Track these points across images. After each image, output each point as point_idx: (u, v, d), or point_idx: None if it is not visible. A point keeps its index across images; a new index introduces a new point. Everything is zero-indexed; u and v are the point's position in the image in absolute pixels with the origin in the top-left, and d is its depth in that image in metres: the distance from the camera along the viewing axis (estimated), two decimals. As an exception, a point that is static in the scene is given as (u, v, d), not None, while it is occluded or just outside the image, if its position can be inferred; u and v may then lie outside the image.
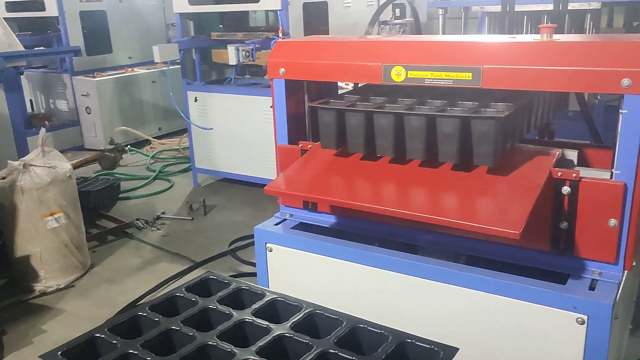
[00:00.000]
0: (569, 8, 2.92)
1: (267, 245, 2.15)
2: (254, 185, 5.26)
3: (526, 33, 3.16)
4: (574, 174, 1.66)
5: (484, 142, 1.64)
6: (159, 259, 4.11)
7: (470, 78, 1.75)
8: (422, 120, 1.71)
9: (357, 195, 1.79)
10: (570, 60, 1.62)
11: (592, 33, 3.11)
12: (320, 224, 2.18)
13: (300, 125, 2.23)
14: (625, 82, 1.54)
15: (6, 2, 7.15)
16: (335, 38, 2.23)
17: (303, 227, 2.21)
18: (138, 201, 5.37)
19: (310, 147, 2.10)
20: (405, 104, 1.85)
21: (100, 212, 4.85)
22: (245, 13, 5.83)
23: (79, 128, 7.03)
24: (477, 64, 1.73)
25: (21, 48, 4.70)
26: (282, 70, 2.10)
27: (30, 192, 3.48)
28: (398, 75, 1.87)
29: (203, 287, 1.53)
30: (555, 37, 1.75)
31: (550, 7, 2.96)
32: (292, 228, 2.18)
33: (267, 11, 5.80)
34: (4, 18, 7.26)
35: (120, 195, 5.37)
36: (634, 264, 1.70)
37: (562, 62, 1.63)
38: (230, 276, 1.76)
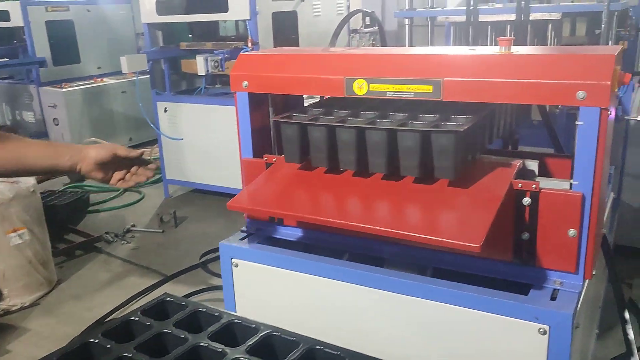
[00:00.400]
0: (530, 19, 2.98)
1: (233, 260, 2.13)
2: (226, 196, 5.20)
3: (490, 43, 3.20)
4: (533, 185, 1.68)
5: (444, 155, 1.64)
6: (129, 273, 4.04)
7: (431, 91, 1.76)
8: (383, 134, 1.71)
9: (320, 209, 1.78)
10: (526, 73, 1.64)
11: (554, 42, 3.16)
12: (287, 238, 2.16)
13: (266, 137, 2.22)
14: (580, 94, 1.56)
15: (-30, 13, 7.00)
16: (299, 50, 2.23)
17: (270, 241, 2.19)
18: (108, 214, 5.29)
19: (275, 161, 2.09)
20: (368, 117, 1.85)
21: (68, 226, 4.76)
22: (215, 23, 5.80)
23: (46, 140, 6.89)
24: (437, 77, 1.74)
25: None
26: (245, 83, 2.09)
27: (-8, 208, 3.40)
28: (360, 88, 1.86)
29: (160, 310, 1.50)
30: (514, 49, 1.77)
31: (513, 17, 3.01)
32: (258, 242, 2.16)
33: (237, 21, 5.79)
34: (-33, 28, 7.14)
35: (90, 209, 5.28)
36: (594, 272, 1.73)
37: (519, 75, 1.64)
38: (199, 290, 1.73)
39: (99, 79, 7.17)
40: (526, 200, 1.70)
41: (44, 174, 1.66)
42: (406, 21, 3.37)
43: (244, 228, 2.25)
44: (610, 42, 2.96)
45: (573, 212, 1.64)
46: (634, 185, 3.81)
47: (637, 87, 4.48)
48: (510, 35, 3.15)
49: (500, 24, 3.17)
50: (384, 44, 2.53)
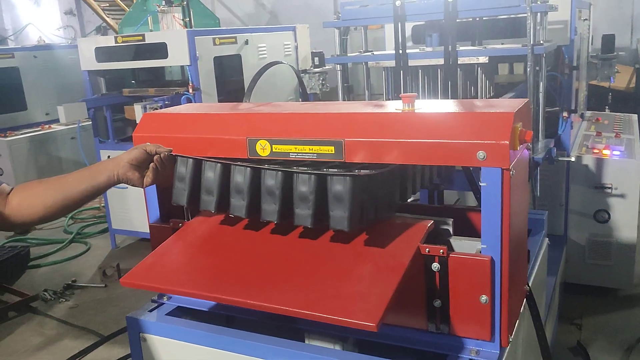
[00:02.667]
0: (460, 62, 2.94)
1: (141, 334, 1.97)
2: (173, 245, 5.03)
3: (423, 87, 3.16)
4: (441, 250, 1.58)
5: (339, 202, 1.53)
6: (63, 336, 3.82)
7: (333, 152, 1.67)
8: (278, 176, 1.61)
9: (214, 285, 1.64)
10: (426, 132, 1.56)
11: (485, 85, 3.14)
12: (199, 308, 2.02)
13: (176, 200, 2.09)
14: (480, 154, 1.48)
15: None
16: (205, 109, 2.13)
17: (182, 311, 2.05)
18: (49, 269, 5.06)
19: (181, 225, 1.96)
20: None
21: (3, 285, 4.51)
22: (161, 67, 5.71)
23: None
24: (339, 137, 1.66)
25: None
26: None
27: None
28: (263, 149, 1.77)
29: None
30: (417, 105, 1.70)
31: (442, 61, 2.97)
32: (168, 314, 2.01)
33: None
34: None
35: (30, 263, 5.04)
36: (511, 339, 1.63)
37: (418, 135, 1.56)
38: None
39: (47, 126, 6.97)
40: (435, 266, 1.60)
41: (88, 198, 1.73)
42: (338, 67, 3.32)
43: (154, 297, 2.10)
44: (541, 83, 2.94)
45: (483, 278, 1.55)
46: (579, 222, 3.77)
47: (580, 122, 4.50)
48: (442, 79, 3.10)
49: (432, 68, 3.13)
50: (304, 98, 2.45)
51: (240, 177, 1.69)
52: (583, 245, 3.79)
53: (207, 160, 1.74)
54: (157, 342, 1.95)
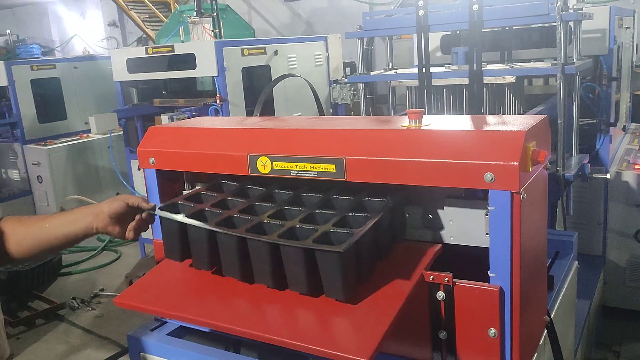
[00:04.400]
0: (485, 82, 2.79)
1: (141, 354, 1.93)
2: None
3: (448, 107, 3.02)
4: (446, 278, 1.47)
5: (330, 276, 1.41)
6: (86, 345, 3.84)
7: (335, 170, 1.58)
8: (265, 246, 1.48)
9: (210, 311, 1.57)
10: (432, 151, 1.46)
11: (514, 103, 2.98)
12: (202, 329, 1.96)
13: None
14: (488, 176, 1.37)
15: (-43, 74, 7.06)
16: (210, 123, 2.07)
17: (185, 331, 1.99)
18: (80, 276, 5.13)
19: (183, 244, 1.90)
20: (264, 211, 1.65)
21: (34, 292, 4.59)
22: (192, 78, 5.74)
23: (31, 197, 6.82)
24: (340, 155, 1.57)
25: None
26: (152, 160, 1.93)
27: None
28: (264, 166, 1.69)
29: None
30: (425, 121, 1.59)
31: (467, 80, 2.83)
32: (170, 333, 1.96)
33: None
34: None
35: (62, 271, 5.12)
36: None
37: (423, 154, 1.46)
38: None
39: (85, 135, 7.12)
40: (440, 295, 1.49)
41: (65, 246, 1.66)
42: (361, 85, 3.23)
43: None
44: (576, 100, 2.77)
45: (491, 309, 1.43)
46: (619, 242, 3.54)
47: (622, 135, 4.26)
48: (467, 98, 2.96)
49: (457, 88, 3.00)
50: (320, 112, 2.38)
51: (226, 245, 1.55)
52: (623, 267, 3.56)
53: (191, 225, 1.60)
54: (157, 363, 1.90)
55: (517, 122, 1.51)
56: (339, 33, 6.16)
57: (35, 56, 8.61)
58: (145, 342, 1.92)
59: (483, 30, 2.72)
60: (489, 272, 1.44)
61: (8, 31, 9.17)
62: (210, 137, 1.86)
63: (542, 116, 1.58)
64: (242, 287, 1.61)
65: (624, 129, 4.27)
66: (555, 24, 2.60)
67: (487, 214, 1.47)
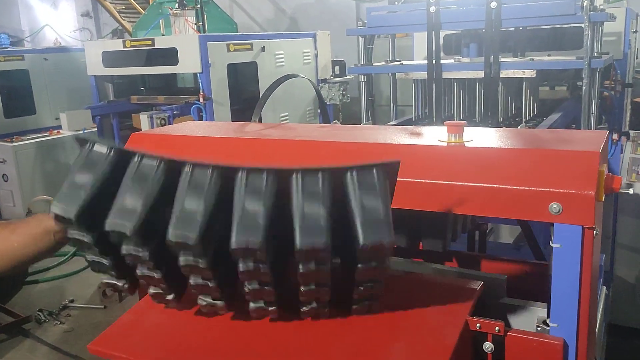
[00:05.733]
0: (502, 76, 2.57)
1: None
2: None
3: (457, 102, 2.79)
4: (497, 328, 1.22)
5: None
6: (54, 365, 3.51)
7: (359, 192, 1.31)
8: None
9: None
10: (481, 174, 1.20)
11: (530, 102, 2.76)
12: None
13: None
14: (554, 207, 1.12)
15: None
16: (205, 130, 1.78)
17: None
18: (48, 285, 4.76)
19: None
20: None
21: (-4, 303, 4.23)
22: (172, 74, 5.41)
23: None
24: (366, 175, 1.30)
25: None
26: (134, 171, 1.64)
27: None
28: (270, 184, 1.41)
29: None
30: (466, 136, 1.34)
31: (481, 74, 2.61)
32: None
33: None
34: None
35: (28, 279, 4.75)
36: None
37: (471, 177, 1.20)
38: None
39: (56, 131, 6.70)
40: (487, 347, 1.24)
41: (37, 259, 1.47)
42: (362, 77, 2.97)
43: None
44: (593, 102, 2.56)
45: (551, 366, 1.19)
46: (629, 258, 3.36)
47: (627, 143, 4.08)
48: (480, 94, 2.74)
49: (468, 82, 2.77)
50: (325, 118, 2.11)
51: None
52: (632, 284, 3.38)
53: None
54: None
55: (581, 139, 1.27)
56: (324, 30, 5.90)
57: (3, 46, 8.13)
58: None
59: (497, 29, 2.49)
60: (548, 320, 1.20)
61: (-27, 19, 8.66)
62: (205, 147, 1.58)
63: (605, 132, 1.34)
64: (243, 329, 1.34)
65: (627, 135, 4.10)
66: (579, 24, 2.39)
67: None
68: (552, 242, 1.16)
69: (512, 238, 3.31)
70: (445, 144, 1.31)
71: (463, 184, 1.21)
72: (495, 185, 1.18)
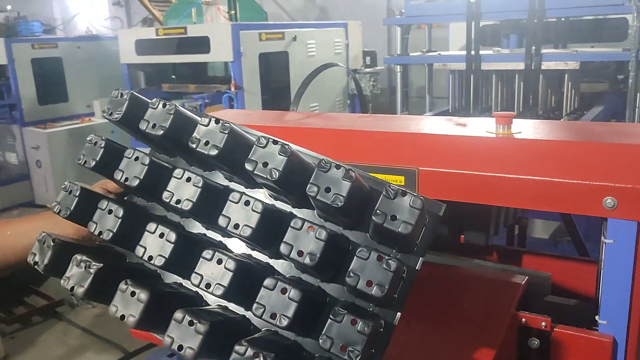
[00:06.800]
0: (543, 68, 2.52)
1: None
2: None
3: (496, 94, 2.75)
4: (543, 323, 1.19)
5: None
6: (86, 348, 3.57)
7: (403, 184, 1.30)
8: None
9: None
10: (532, 167, 1.17)
11: (571, 94, 2.70)
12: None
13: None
14: (609, 202, 1.09)
15: (-46, 50, 6.74)
16: (244, 118, 1.78)
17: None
18: (80, 269, 4.84)
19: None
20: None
21: (30, 286, 4.31)
22: (203, 63, 5.43)
23: (29, 183, 6.53)
24: (411, 165, 1.28)
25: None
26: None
27: None
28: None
29: None
30: (515, 127, 1.31)
31: (522, 66, 2.56)
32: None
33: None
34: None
35: (61, 263, 4.83)
36: None
37: (520, 170, 1.18)
38: None
39: (87, 119, 6.81)
40: (533, 342, 1.22)
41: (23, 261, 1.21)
42: (398, 68, 2.94)
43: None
44: (638, 95, 2.49)
45: (600, 364, 1.16)
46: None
47: None
48: (519, 86, 2.69)
49: (508, 73, 2.72)
50: (363, 108, 2.09)
51: None
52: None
53: None
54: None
55: (637, 133, 1.23)
56: (353, 20, 5.85)
57: (37, 34, 8.27)
58: (163, 370, 1.65)
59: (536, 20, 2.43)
60: (597, 318, 1.17)
61: (9, 7, 8.80)
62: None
63: (662, 125, 1.30)
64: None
65: None
66: (623, 15, 2.32)
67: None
68: (604, 238, 1.13)
69: (545, 233, 3.26)
70: (494, 135, 1.28)
71: (513, 176, 1.18)
72: (546, 179, 1.15)
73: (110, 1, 10.77)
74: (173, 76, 5.27)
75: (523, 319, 1.21)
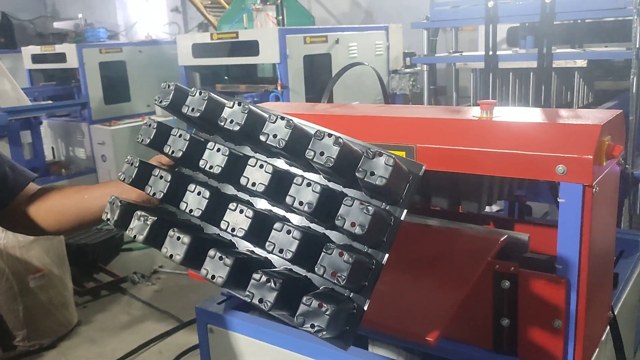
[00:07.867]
0: (555, 66, 2.77)
1: (208, 326, 2.03)
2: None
3: (514, 91, 3.01)
4: (512, 267, 1.49)
5: None
6: (147, 318, 4.03)
7: (405, 157, 1.62)
8: None
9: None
10: (504, 142, 1.48)
11: (583, 90, 2.93)
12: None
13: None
14: (560, 169, 1.38)
15: (32, 55, 7.43)
16: (282, 109, 2.14)
17: (249, 305, 2.07)
18: (140, 253, 5.34)
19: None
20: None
21: (99, 265, 4.83)
22: (253, 65, 5.85)
23: (95, 175, 7.13)
24: (411, 143, 1.61)
25: (27, 102, 4.80)
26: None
27: (13, 250, 3.47)
28: (334, 151, 1.75)
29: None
30: (496, 113, 1.61)
31: (535, 64, 2.81)
32: (235, 308, 2.05)
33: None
34: (31, 69, 7.58)
35: (124, 246, 5.35)
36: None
37: (494, 144, 1.48)
38: None
39: (147, 117, 7.34)
40: (505, 283, 1.51)
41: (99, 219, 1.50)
42: (425, 67, 3.23)
43: (225, 290, 2.15)
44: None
45: (557, 301, 1.45)
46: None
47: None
48: (533, 83, 2.94)
49: (525, 71, 2.98)
50: (386, 100, 2.41)
51: None
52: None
53: None
54: (223, 335, 1.99)
55: (591, 116, 1.51)
56: (398, 23, 6.14)
57: (102, 40, 8.93)
58: (212, 315, 2.02)
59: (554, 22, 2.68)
60: (556, 263, 1.46)
61: (80, 15, 9.53)
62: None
63: (618, 111, 1.57)
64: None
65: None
66: (629, 17, 2.55)
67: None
68: (559, 198, 1.42)
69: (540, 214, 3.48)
70: (477, 119, 1.59)
71: (490, 150, 1.48)
72: (514, 152, 1.45)
73: (169, 8, 11.41)
74: (226, 77, 5.71)
75: (497, 265, 1.51)
